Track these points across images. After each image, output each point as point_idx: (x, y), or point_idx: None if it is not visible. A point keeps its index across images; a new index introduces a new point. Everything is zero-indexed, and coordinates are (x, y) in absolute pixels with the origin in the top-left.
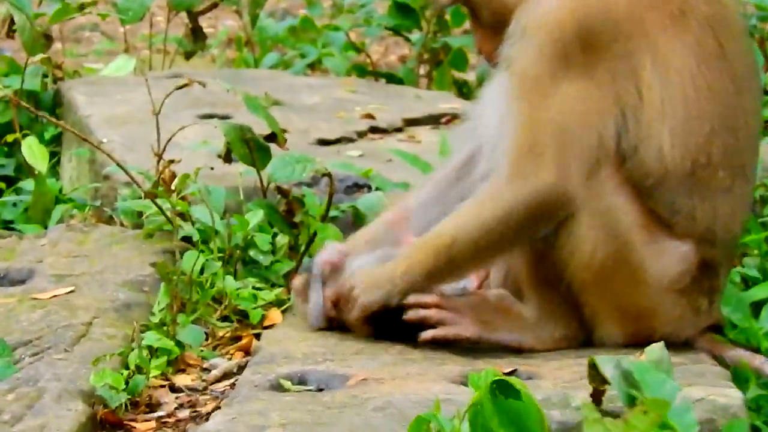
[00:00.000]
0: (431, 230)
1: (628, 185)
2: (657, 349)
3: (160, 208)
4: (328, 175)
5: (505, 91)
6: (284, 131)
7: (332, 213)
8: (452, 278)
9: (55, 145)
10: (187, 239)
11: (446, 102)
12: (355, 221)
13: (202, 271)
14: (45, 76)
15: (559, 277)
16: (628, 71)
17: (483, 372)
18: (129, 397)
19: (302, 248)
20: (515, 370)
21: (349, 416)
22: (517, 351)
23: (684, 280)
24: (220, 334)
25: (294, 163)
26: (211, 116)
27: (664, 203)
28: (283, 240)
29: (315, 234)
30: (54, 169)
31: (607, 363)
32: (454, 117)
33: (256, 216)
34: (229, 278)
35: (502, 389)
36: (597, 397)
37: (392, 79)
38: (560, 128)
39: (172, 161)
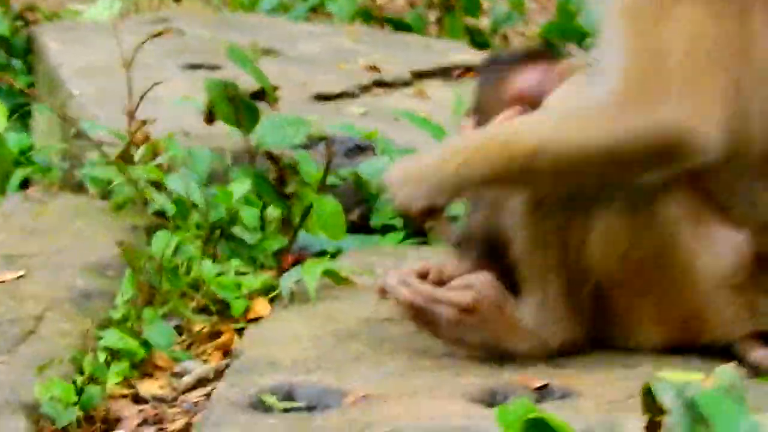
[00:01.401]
0: (499, 126)
1: None
2: (728, 372)
3: (129, 177)
4: (326, 138)
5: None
6: (276, 88)
7: (330, 181)
8: (509, 190)
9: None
10: (162, 214)
11: (458, 52)
12: (357, 190)
13: (176, 253)
14: (18, 18)
15: (581, 269)
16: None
17: (513, 405)
18: (81, 413)
19: (296, 222)
20: (547, 385)
21: None
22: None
23: (739, 274)
24: (196, 328)
25: (286, 125)
26: (198, 66)
27: (726, 183)
28: (273, 213)
29: (310, 206)
30: (26, 123)
31: (667, 390)
32: (467, 69)
33: (241, 186)
34: (207, 262)
35: (539, 429)
36: (653, 429)
37: (399, 25)
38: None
39: (145, 122)
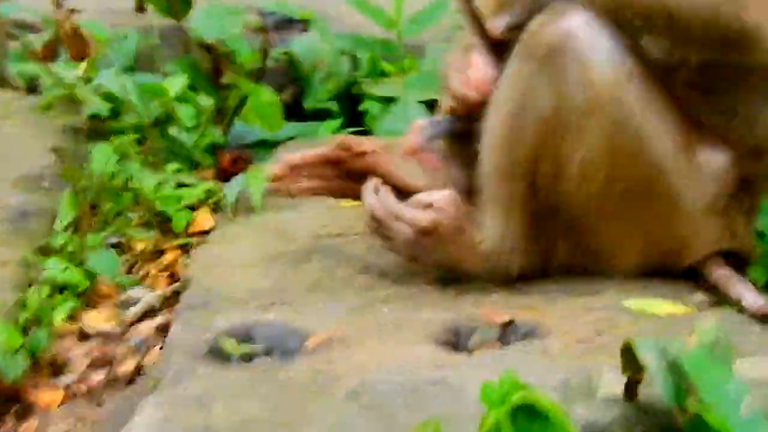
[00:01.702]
0: None
1: None
2: (711, 329)
3: (56, 77)
4: (263, 29)
5: None
6: None
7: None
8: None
9: None
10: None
11: None
12: (291, 70)
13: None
14: None
15: (550, 203)
16: None
17: (499, 381)
18: (28, 362)
19: (231, 113)
20: (512, 321)
21: (317, 411)
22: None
23: (721, 200)
24: (139, 247)
25: (224, 14)
26: None
27: (728, 104)
28: (209, 105)
29: (246, 97)
30: None
31: (649, 349)
32: None
33: (177, 81)
34: (147, 173)
35: (527, 412)
36: (632, 389)
37: None
38: None
39: (73, 10)
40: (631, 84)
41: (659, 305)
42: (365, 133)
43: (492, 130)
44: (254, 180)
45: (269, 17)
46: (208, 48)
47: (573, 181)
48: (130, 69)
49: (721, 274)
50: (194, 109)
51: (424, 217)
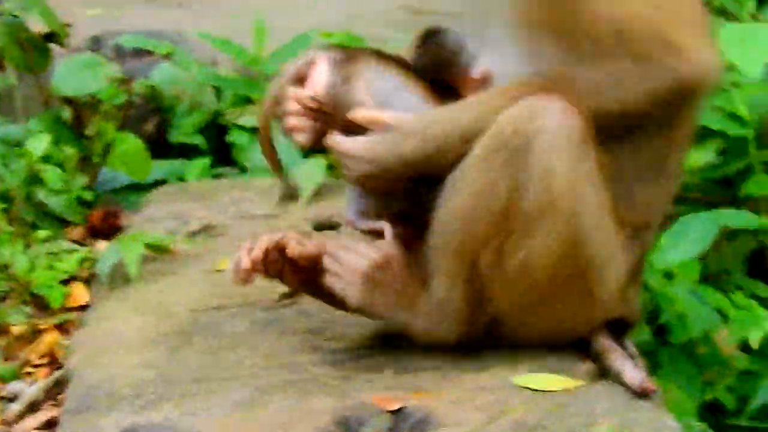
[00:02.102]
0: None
1: None
2: None
3: None
4: (125, 80)
5: None
6: (67, 25)
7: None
8: None
9: None
10: None
11: None
12: (154, 100)
13: None
14: None
15: (485, 290)
16: None
17: None
18: None
19: (97, 162)
20: (403, 408)
21: None
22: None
23: (628, 274)
24: (15, 332)
25: (83, 69)
26: None
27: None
28: (74, 156)
29: (112, 143)
30: None
31: None
32: None
33: (40, 141)
34: (18, 250)
35: None
36: None
37: None
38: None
39: None
40: (587, 188)
41: (550, 380)
42: (234, 166)
43: (448, 207)
44: (129, 249)
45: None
46: (68, 100)
47: (511, 274)
48: None
49: (605, 346)
50: (60, 171)
51: (377, 251)
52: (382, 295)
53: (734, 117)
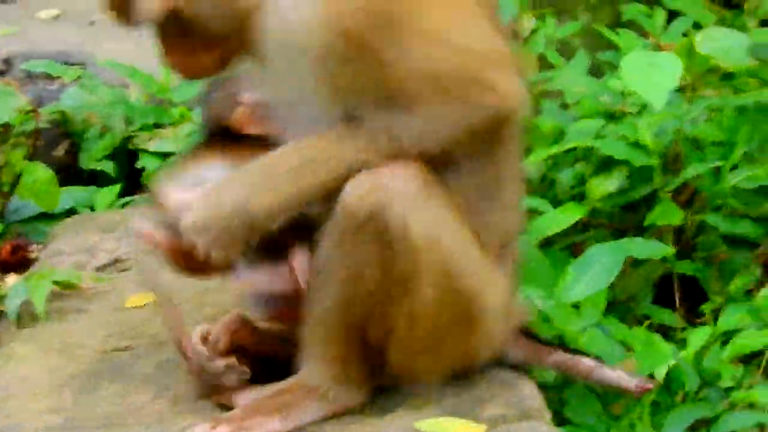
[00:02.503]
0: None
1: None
2: None
3: None
4: (34, 111)
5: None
6: None
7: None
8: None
9: None
10: None
11: None
12: (64, 124)
13: None
14: None
15: (380, 346)
16: None
17: None
18: None
19: (6, 190)
20: None
21: None
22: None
23: (506, 299)
24: None
25: None
26: None
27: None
28: None
29: (21, 174)
30: None
31: None
32: None
33: None
34: None
35: None
36: None
37: None
38: None
39: None
40: (447, 233)
41: (454, 425)
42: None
43: (324, 299)
44: (36, 287)
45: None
46: None
47: (401, 333)
48: None
49: (563, 359)
50: None
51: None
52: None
53: (639, 146)
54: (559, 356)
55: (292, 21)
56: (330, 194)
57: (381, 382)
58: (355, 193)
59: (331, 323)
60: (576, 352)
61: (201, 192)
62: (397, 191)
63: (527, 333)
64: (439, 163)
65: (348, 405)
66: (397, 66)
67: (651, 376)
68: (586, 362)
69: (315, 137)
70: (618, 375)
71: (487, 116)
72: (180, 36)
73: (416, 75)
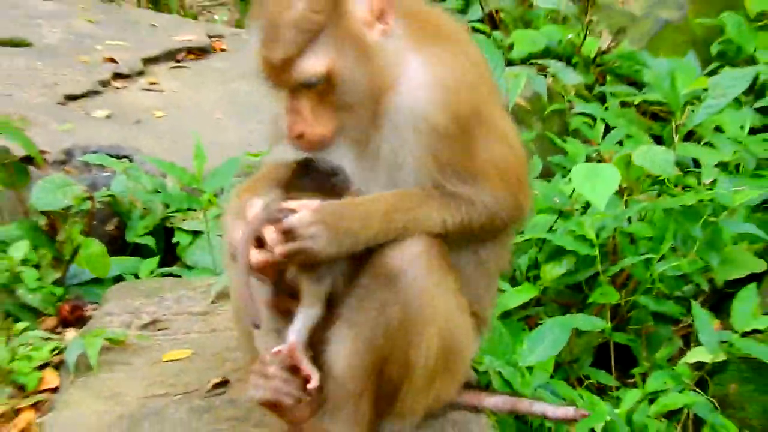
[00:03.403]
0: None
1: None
2: None
3: None
4: (89, 196)
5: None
6: (43, 152)
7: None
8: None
9: None
10: None
11: (179, 31)
12: (114, 205)
13: None
14: None
15: (393, 390)
16: None
17: None
18: None
19: (67, 259)
20: None
21: None
22: None
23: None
24: None
25: (56, 189)
26: None
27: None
28: (47, 256)
29: (79, 247)
30: None
31: None
32: (190, 51)
33: (20, 248)
34: (1, 345)
35: None
36: None
37: None
38: None
39: None
40: (450, 298)
41: None
42: (179, 261)
43: (347, 345)
44: (90, 344)
45: (90, 153)
46: (44, 212)
47: (417, 375)
48: None
49: (504, 399)
50: (36, 271)
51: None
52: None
53: (584, 239)
54: (500, 398)
55: (417, 101)
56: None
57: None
58: (385, 254)
59: (355, 364)
60: (514, 394)
61: (316, 205)
62: (417, 261)
63: (469, 385)
64: (455, 240)
65: None
66: (480, 150)
67: (591, 431)
68: (525, 400)
69: (408, 191)
70: (557, 407)
71: (519, 215)
72: (317, 102)
73: (490, 161)
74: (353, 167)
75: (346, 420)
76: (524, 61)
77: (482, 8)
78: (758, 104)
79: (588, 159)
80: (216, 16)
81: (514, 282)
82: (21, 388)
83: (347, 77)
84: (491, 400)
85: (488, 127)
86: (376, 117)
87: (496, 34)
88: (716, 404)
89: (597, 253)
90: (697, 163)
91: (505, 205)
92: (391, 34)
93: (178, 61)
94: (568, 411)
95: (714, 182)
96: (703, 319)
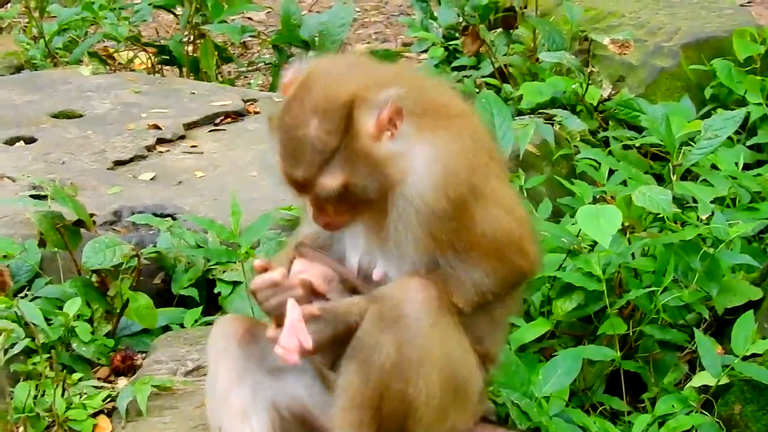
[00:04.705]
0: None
1: None
2: None
3: None
4: (137, 254)
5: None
6: (92, 215)
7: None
8: None
9: None
10: None
11: (217, 97)
12: (160, 260)
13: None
14: None
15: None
16: None
17: None
18: None
19: (117, 312)
20: None
21: None
22: None
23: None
24: None
25: (105, 248)
26: (16, 139)
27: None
28: (99, 310)
29: (128, 300)
30: None
31: None
32: (226, 116)
33: (74, 304)
34: (58, 396)
35: None
36: None
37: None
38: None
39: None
40: (452, 333)
41: None
42: (220, 310)
43: (356, 383)
44: (140, 391)
45: (137, 213)
46: (95, 270)
47: (423, 411)
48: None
49: None
50: (89, 325)
51: None
52: None
53: (591, 275)
54: None
55: (420, 189)
56: None
57: None
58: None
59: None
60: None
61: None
62: (416, 300)
63: (487, 419)
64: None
65: None
66: (478, 222)
67: None
68: None
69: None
70: None
71: (520, 277)
72: (336, 202)
73: (488, 233)
74: (367, 243)
75: None
76: (533, 111)
77: (492, 64)
78: (750, 142)
79: (595, 199)
80: (251, 81)
81: (528, 317)
82: None
83: (360, 186)
84: None
85: (486, 198)
86: (389, 204)
87: (506, 86)
88: (722, 424)
89: (604, 288)
90: (695, 199)
91: (501, 276)
92: (399, 134)
93: (216, 125)
94: None
95: (711, 216)
96: (705, 345)
